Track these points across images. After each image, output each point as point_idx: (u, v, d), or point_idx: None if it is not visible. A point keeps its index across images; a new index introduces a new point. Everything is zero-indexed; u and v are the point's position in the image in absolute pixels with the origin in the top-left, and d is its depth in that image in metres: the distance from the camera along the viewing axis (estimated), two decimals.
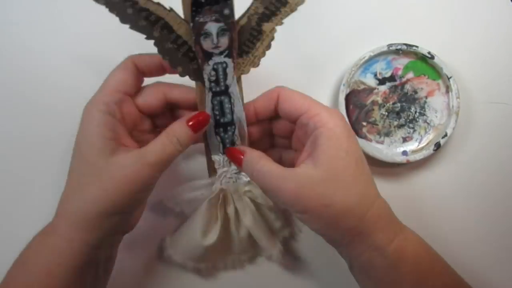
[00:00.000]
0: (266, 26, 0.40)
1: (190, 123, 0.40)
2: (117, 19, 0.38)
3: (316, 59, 0.54)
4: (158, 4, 0.38)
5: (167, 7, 0.39)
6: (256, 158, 0.40)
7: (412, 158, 0.51)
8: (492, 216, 0.53)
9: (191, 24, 0.39)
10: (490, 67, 0.55)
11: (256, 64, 0.41)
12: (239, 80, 0.42)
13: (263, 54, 0.41)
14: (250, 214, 0.45)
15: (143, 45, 0.40)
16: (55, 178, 0.46)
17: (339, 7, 0.55)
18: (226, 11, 0.38)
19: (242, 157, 0.42)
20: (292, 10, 0.40)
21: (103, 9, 0.38)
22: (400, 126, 0.53)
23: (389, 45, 0.52)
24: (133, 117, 0.42)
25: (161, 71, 0.43)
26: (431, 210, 0.53)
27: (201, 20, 0.38)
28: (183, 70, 0.40)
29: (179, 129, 0.40)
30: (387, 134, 0.53)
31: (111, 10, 0.38)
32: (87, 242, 0.38)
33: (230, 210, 0.46)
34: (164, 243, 0.48)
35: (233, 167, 0.45)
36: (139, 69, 0.42)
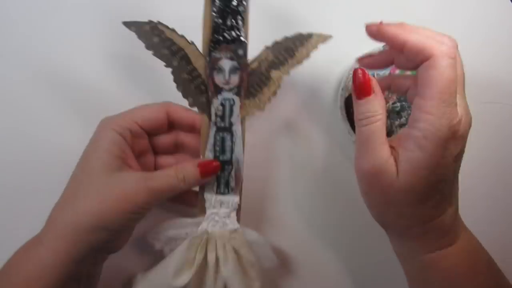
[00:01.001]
0: (274, 73, 0.44)
1: (201, 167, 0.42)
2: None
3: (313, 64, 0.51)
4: (182, 36, 0.43)
5: (190, 41, 0.44)
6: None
7: None
8: (496, 214, 0.52)
9: (208, 59, 0.43)
10: (488, 66, 0.55)
11: (261, 108, 0.44)
12: (243, 121, 0.44)
13: (269, 100, 0.44)
14: (230, 264, 0.43)
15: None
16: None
17: (331, 11, 0.56)
18: (240, 52, 0.43)
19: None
20: (299, 62, 0.44)
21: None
22: (402, 126, 0.52)
23: (385, 46, 0.52)
24: (142, 148, 0.45)
25: (189, 128, 0.46)
26: None
27: (217, 55, 0.43)
28: (193, 101, 0.44)
29: (188, 168, 0.42)
30: (389, 134, 0.52)
31: (139, 37, 0.43)
32: (71, 255, 0.38)
33: (210, 257, 0.44)
34: (134, 279, 0.45)
35: (223, 209, 0.45)
36: (169, 119, 0.45)
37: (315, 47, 0.45)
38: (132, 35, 0.43)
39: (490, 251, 0.50)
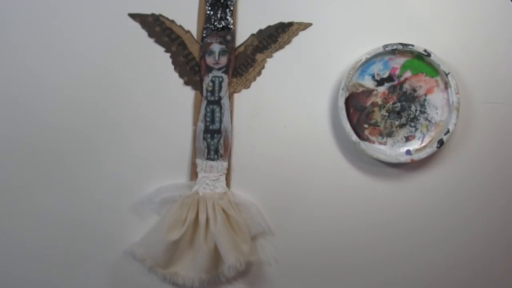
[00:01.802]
0: (258, 56, 0.51)
1: None
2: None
3: (313, 65, 0.54)
4: (180, 26, 0.51)
5: (186, 29, 0.51)
6: None
7: (417, 157, 0.51)
8: (496, 212, 0.52)
9: (201, 44, 0.50)
10: (488, 66, 0.55)
11: (247, 86, 0.51)
12: (231, 97, 0.50)
13: (254, 79, 0.51)
14: (219, 221, 0.48)
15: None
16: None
17: (332, 11, 0.55)
18: (228, 37, 0.50)
19: None
20: (280, 47, 0.51)
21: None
22: (402, 126, 0.53)
23: (385, 46, 0.52)
24: None
25: None
26: (439, 209, 0.52)
27: (209, 41, 0.50)
28: (188, 80, 0.50)
29: None
30: (389, 135, 0.53)
31: (143, 26, 0.51)
32: None
33: (202, 217, 0.48)
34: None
35: (213, 173, 0.50)
36: None
37: (295, 33, 0.51)
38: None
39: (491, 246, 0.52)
